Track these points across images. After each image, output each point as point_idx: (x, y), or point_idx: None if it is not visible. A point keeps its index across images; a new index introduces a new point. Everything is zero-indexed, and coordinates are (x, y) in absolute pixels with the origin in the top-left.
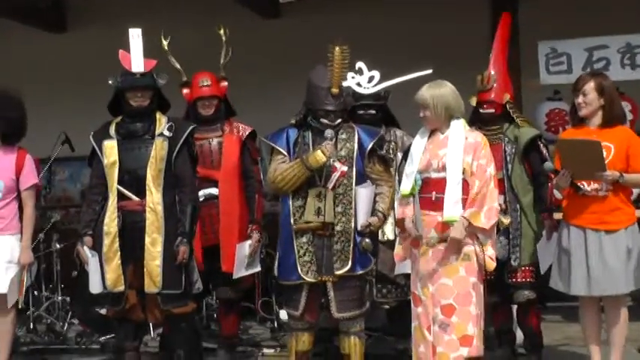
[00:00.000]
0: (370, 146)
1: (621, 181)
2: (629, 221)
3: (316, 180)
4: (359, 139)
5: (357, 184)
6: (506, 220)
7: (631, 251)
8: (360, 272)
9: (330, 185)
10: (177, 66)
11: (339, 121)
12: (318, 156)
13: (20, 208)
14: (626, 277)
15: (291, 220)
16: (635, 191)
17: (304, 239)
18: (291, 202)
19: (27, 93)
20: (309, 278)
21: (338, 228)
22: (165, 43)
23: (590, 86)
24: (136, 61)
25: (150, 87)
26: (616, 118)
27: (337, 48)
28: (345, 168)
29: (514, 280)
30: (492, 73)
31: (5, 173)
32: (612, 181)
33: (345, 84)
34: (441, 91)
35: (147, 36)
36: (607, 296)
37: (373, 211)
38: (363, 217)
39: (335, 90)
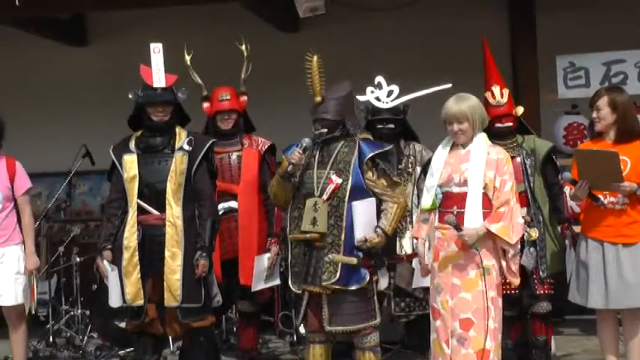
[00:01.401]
0: (368, 157)
1: (638, 193)
2: None
3: (314, 191)
4: (359, 151)
5: (354, 197)
6: (534, 234)
7: None
8: (355, 287)
9: (325, 197)
10: (199, 80)
11: (324, 130)
12: (283, 163)
13: (19, 219)
14: None
15: (287, 230)
16: None
17: (297, 250)
18: (289, 213)
19: (47, 106)
20: (295, 288)
21: (328, 240)
22: (187, 58)
23: (603, 102)
24: (157, 75)
25: (171, 102)
26: (631, 133)
27: (315, 57)
28: (339, 180)
29: (538, 291)
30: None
31: (0, 182)
32: (630, 192)
33: (363, 98)
34: (473, 103)
35: (167, 50)
36: (625, 309)
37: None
38: (360, 232)
39: (317, 98)
